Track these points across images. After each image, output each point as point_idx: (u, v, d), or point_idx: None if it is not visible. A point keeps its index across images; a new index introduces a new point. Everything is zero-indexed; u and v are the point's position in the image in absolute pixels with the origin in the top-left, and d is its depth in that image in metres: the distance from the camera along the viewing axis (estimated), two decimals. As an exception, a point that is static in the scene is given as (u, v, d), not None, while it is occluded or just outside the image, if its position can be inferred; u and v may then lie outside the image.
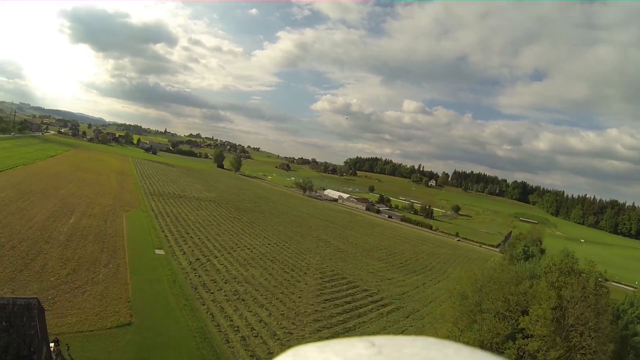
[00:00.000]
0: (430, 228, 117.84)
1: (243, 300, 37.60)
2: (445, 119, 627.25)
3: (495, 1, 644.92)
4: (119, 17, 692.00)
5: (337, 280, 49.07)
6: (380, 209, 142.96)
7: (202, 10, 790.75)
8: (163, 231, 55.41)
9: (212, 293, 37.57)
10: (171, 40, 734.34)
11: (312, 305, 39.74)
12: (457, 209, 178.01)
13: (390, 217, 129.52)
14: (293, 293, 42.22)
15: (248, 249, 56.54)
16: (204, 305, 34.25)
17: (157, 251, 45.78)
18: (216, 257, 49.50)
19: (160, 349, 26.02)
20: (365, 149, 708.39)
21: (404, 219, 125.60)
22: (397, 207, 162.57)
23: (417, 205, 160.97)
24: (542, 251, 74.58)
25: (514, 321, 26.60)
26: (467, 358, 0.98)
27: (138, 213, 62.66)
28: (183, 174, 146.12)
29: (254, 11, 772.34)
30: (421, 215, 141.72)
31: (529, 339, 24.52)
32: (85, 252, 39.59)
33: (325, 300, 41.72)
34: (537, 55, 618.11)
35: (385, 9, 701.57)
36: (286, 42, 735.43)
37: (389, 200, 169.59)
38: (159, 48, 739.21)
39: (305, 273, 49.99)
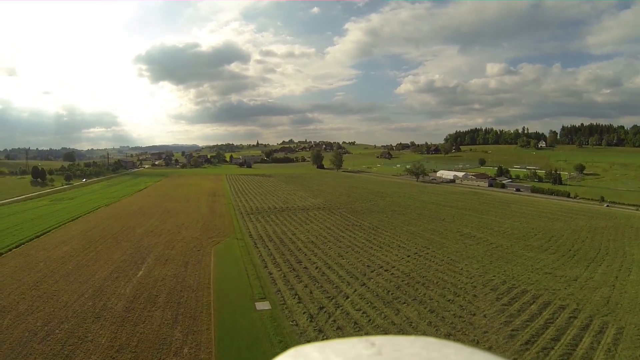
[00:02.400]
0: (568, 196, 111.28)
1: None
2: (533, 75, 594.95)
3: None
4: (189, 48, 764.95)
5: (518, 299, 36.20)
6: (504, 182, 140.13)
7: (265, 22, 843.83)
8: (266, 266, 42.43)
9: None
10: (243, 57, 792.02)
11: (515, 362, 25.89)
12: (581, 168, 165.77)
13: (518, 190, 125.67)
14: (476, 341, 28.26)
15: (385, 270, 42.70)
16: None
17: (260, 305, 32.17)
18: (347, 297, 35.13)
19: None
20: (457, 123, 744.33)
21: (534, 190, 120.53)
22: (518, 177, 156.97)
23: (541, 172, 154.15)
24: None
25: None
26: (467, 358, 1.04)
27: (231, 243, 51.22)
28: (282, 183, 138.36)
29: (315, 10, 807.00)
30: (547, 182, 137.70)
31: None
32: (151, 327, 27.36)
33: (526, 344, 28.01)
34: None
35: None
36: (355, 32, 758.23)
37: (507, 171, 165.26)
38: (234, 67, 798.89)
39: (475, 295, 36.38)
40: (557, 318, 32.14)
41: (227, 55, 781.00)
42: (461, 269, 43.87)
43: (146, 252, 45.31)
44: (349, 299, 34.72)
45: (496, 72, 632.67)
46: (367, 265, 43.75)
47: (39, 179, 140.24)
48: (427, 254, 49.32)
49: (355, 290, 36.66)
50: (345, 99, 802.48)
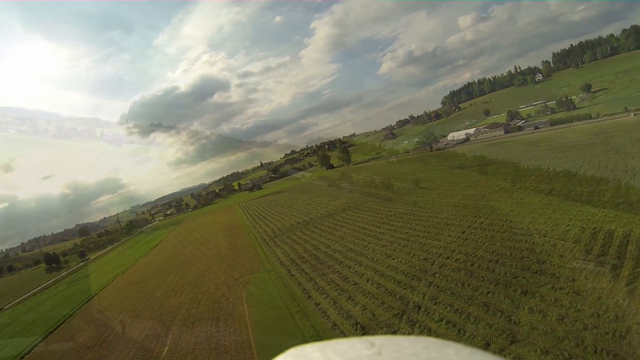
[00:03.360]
0: (590, 117, 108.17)
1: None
2: (505, 15, 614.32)
3: None
4: (168, 93, 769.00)
5: (609, 244, 29.47)
6: (519, 124, 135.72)
7: (233, 46, 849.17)
8: (309, 296, 35.60)
9: None
10: (223, 86, 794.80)
11: None
12: (588, 88, 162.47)
13: (537, 127, 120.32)
14: (597, 315, 22.29)
15: (446, 257, 35.54)
16: None
17: (317, 352, 25.45)
18: (419, 308, 28.94)
19: None
20: (447, 84, 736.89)
21: (553, 123, 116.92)
22: (530, 115, 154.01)
23: (551, 104, 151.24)
24: None
25: None
26: (467, 358, 1.05)
27: (262, 279, 44.70)
28: (297, 194, 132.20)
29: (278, 18, 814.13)
30: (561, 110, 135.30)
31: None
32: None
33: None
34: None
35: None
36: (323, 28, 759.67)
37: (517, 113, 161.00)
38: (217, 98, 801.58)
39: (561, 256, 29.70)
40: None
41: (206, 89, 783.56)
42: (527, 229, 37.00)
43: (170, 319, 38.89)
44: (423, 309, 27.84)
45: (469, 24, 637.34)
46: (424, 259, 36.78)
47: (53, 264, 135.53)
48: (482, 223, 42.09)
49: (424, 295, 29.77)
50: (332, 95, 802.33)
